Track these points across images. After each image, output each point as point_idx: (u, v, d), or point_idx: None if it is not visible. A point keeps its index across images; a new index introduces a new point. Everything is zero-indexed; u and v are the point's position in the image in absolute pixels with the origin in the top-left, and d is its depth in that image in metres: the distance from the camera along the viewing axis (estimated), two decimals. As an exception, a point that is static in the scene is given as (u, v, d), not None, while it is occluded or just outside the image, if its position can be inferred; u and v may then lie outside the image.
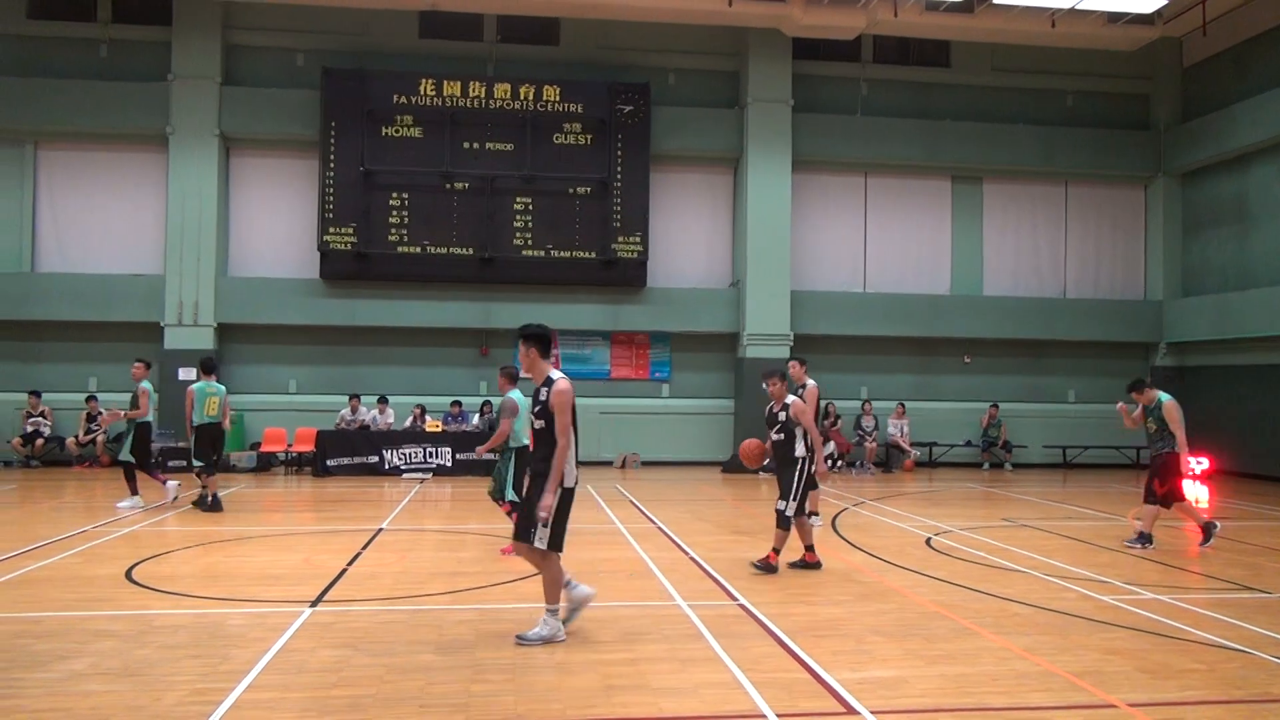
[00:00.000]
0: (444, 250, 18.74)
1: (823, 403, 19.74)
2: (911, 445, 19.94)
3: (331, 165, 18.56)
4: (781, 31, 19.23)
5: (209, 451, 12.58)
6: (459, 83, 18.82)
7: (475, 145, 18.88)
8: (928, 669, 5.80)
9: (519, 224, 18.95)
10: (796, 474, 8.63)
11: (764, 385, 9.01)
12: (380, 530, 11.05)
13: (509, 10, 18.88)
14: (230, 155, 19.27)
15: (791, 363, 11.36)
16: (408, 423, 18.33)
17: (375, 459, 17.30)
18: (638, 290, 19.51)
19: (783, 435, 8.75)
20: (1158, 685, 5.54)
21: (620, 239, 19.14)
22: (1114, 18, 18.62)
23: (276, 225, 19.33)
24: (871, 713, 5.01)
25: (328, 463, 17.16)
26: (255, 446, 18.29)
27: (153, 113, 18.55)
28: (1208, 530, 10.48)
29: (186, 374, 17.32)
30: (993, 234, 21.27)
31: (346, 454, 17.32)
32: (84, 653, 5.91)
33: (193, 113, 18.51)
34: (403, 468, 17.30)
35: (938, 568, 9.05)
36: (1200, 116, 20.37)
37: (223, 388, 12.91)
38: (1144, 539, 10.31)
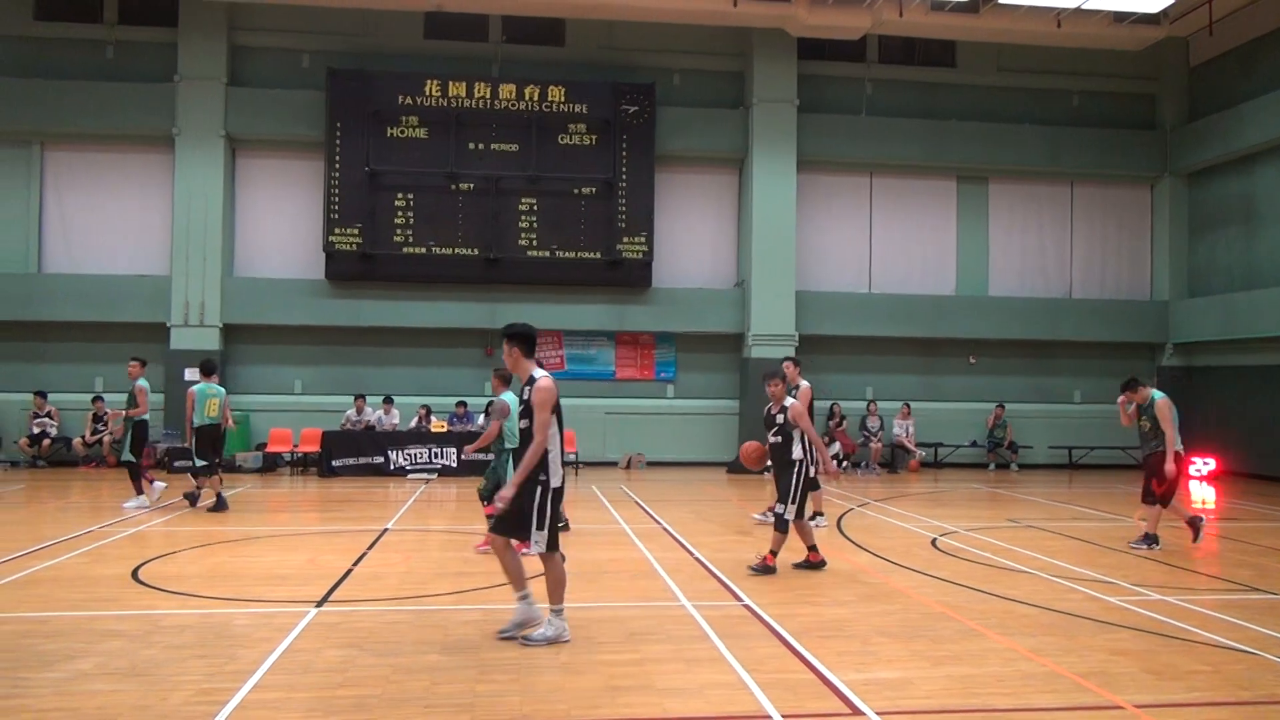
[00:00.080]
0: (449, 251, 18.76)
1: (828, 403, 19.88)
2: (917, 446, 19.91)
3: (337, 166, 18.59)
4: (786, 31, 19.22)
5: (209, 453, 12.63)
6: (464, 83, 18.84)
7: (480, 146, 18.90)
8: (933, 670, 5.79)
9: (524, 224, 18.96)
10: (794, 477, 8.62)
11: (766, 387, 9.01)
12: (385, 531, 11.06)
13: (514, 11, 18.89)
14: (236, 156, 19.32)
15: (786, 363, 11.35)
16: (413, 423, 18.35)
17: (380, 459, 17.31)
18: (643, 291, 19.51)
19: (780, 438, 8.74)
20: (1164, 686, 5.53)
21: (625, 239, 19.14)
22: (1120, 17, 18.57)
23: (282, 226, 19.36)
24: (877, 714, 5.01)
25: (333, 463, 17.19)
26: (261, 447, 18.32)
27: (158, 114, 18.60)
28: (1194, 525, 10.50)
29: (193, 374, 17.30)
30: (998, 234, 21.23)
31: (352, 454, 17.34)
32: (91, 652, 5.92)
33: (198, 113, 18.56)
34: (408, 468, 17.32)
35: (943, 568, 9.03)
36: (1207, 116, 20.32)
37: (223, 389, 12.95)
38: (1149, 540, 10.29)
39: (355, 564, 8.95)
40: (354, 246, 18.53)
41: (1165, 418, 10.28)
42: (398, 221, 18.68)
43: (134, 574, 8.35)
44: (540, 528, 6.16)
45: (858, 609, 7.37)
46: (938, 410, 20.66)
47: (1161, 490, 10.32)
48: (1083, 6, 17.75)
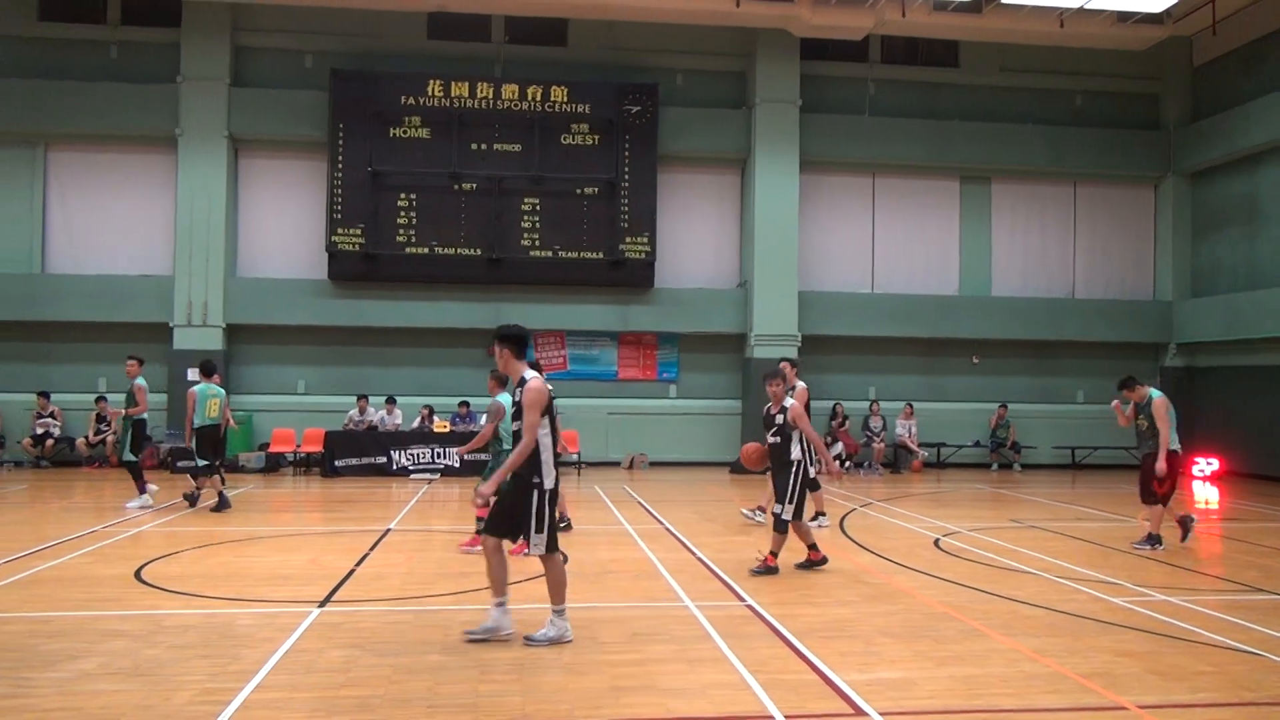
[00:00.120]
0: (452, 251, 18.77)
1: (830, 403, 19.87)
2: (919, 446, 19.89)
3: (340, 166, 18.60)
4: (789, 32, 19.20)
5: (210, 453, 12.67)
6: (467, 84, 18.85)
7: (483, 146, 18.91)
8: (936, 670, 5.79)
9: (527, 224, 18.97)
10: (792, 477, 8.61)
11: (766, 387, 8.99)
12: (388, 531, 11.06)
13: (517, 11, 18.89)
14: (239, 156, 19.34)
15: (783, 363, 11.33)
16: (415, 423, 18.35)
17: (383, 459, 17.33)
18: (645, 291, 19.51)
19: (779, 438, 8.73)
20: (1168, 687, 5.52)
21: (628, 239, 19.14)
22: (1123, 17, 18.54)
23: (285, 226, 19.38)
24: (880, 714, 5.00)
25: (336, 463, 17.20)
26: (264, 447, 18.34)
27: (162, 114, 18.62)
28: (1184, 524, 10.49)
29: (194, 374, 17.36)
30: (1001, 234, 21.21)
31: (354, 454, 17.36)
32: (94, 652, 5.93)
33: (202, 114, 18.58)
34: (411, 468, 17.33)
35: (946, 569, 9.02)
36: (1210, 116, 20.28)
37: (223, 390, 13.01)
38: (1153, 540, 10.27)
39: (358, 564, 8.95)
40: (357, 247, 18.54)
41: (1161, 416, 10.25)
42: (400, 222, 18.69)
43: (137, 574, 8.36)
44: (539, 530, 6.16)
45: (860, 609, 7.36)
46: (940, 410, 20.64)
47: (1163, 490, 10.31)
48: (1085, 6, 17.73)
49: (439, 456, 17.44)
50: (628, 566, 9.05)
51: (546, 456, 6.18)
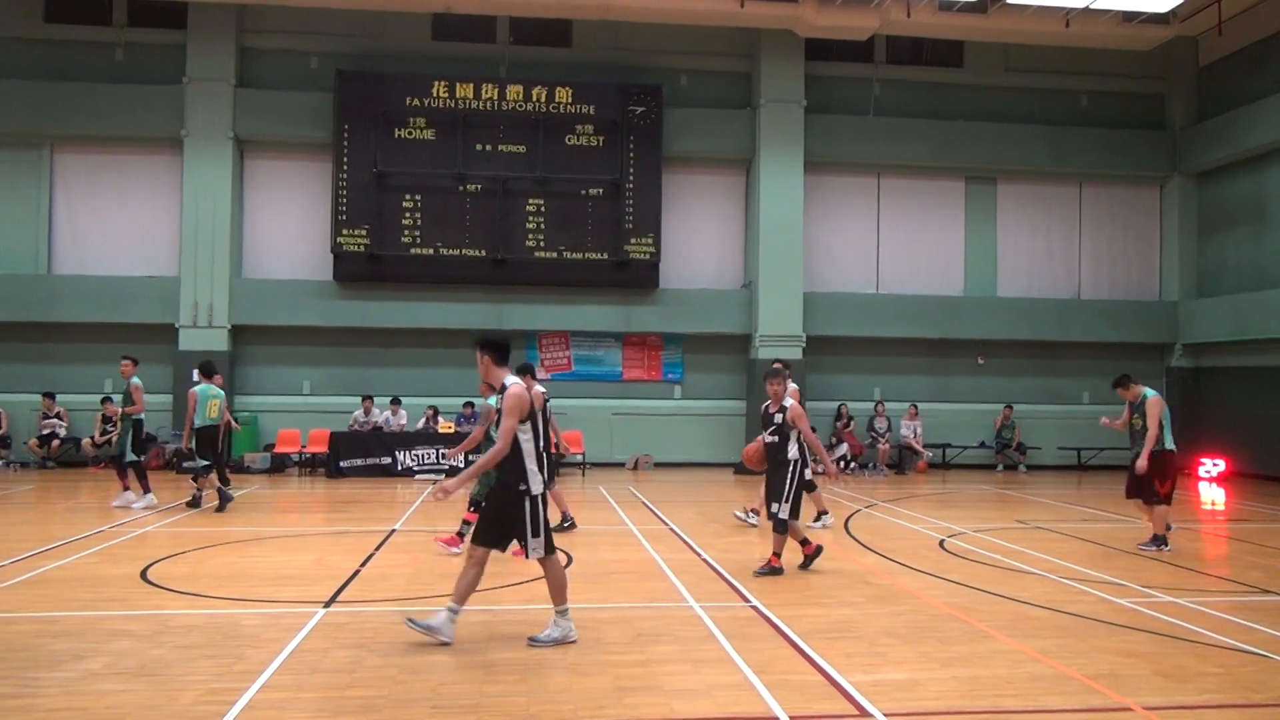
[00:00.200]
0: (457, 252, 18.79)
1: (835, 404, 19.86)
2: (925, 447, 19.86)
3: (345, 167, 18.63)
4: (794, 32, 19.20)
5: (210, 453, 12.74)
6: (471, 85, 18.87)
7: (488, 147, 18.92)
8: (941, 671, 5.78)
9: (531, 225, 18.98)
10: (789, 477, 8.59)
11: (766, 386, 8.96)
12: (393, 531, 11.08)
13: (521, 12, 18.91)
14: (244, 157, 19.37)
15: (775, 364, 11.31)
16: (420, 424, 18.38)
17: (388, 460, 17.35)
18: (650, 291, 19.51)
19: (777, 437, 8.72)
20: (1174, 688, 5.50)
21: (632, 240, 19.15)
22: (1129, 17, 18.50)
23: (290, 227, 19.42)
24: (885, 715, 5.00)
25: (341, 464, 17.23)
26: (269, 448, 18.38)
27: (167, 115, 18.67)
28: (1157, 537, 10.41)
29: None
30: (1006, 235, 21.18)
31: (360, 455, 17.38)
32: (100, 652, 5.94)
33: (207, 115, 18.62)
34: (415, 469, 17.34)
35: (951, 570, 9.01)
36: (1216, 116, 20.23)
37: (222, 392, 13.11)
38: (1159, 541, 10.24)
39: (363, 564, 8.97)
40: (362, 247, 18.57)
41: (1154, 415, 10.20)
42: (405, 222, 18.71)
43: (143, 574, 8.38)
44: (536, 535, 6.18)
45: (866, 610, 7.36)
46: (946, 411, 20.62)
47: (1165, 490, 10.27)
48: (1091, 6, 17.69)
49: (444, 457, 17.44)
50: (632, 567, 9.05)
51: (530, 463, 6.18)
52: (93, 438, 18.03)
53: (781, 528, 8.63)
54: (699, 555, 9.66)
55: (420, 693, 5.28)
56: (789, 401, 8.75)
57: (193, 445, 12.74)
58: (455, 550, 9.49)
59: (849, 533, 11.36)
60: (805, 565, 8.88)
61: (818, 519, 11.60)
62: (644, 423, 19.93)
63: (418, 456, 17.41)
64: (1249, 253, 19.65)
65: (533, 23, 19.64)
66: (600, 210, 19.14)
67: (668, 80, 19.81)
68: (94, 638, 6.28)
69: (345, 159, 18.63)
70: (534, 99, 18.98)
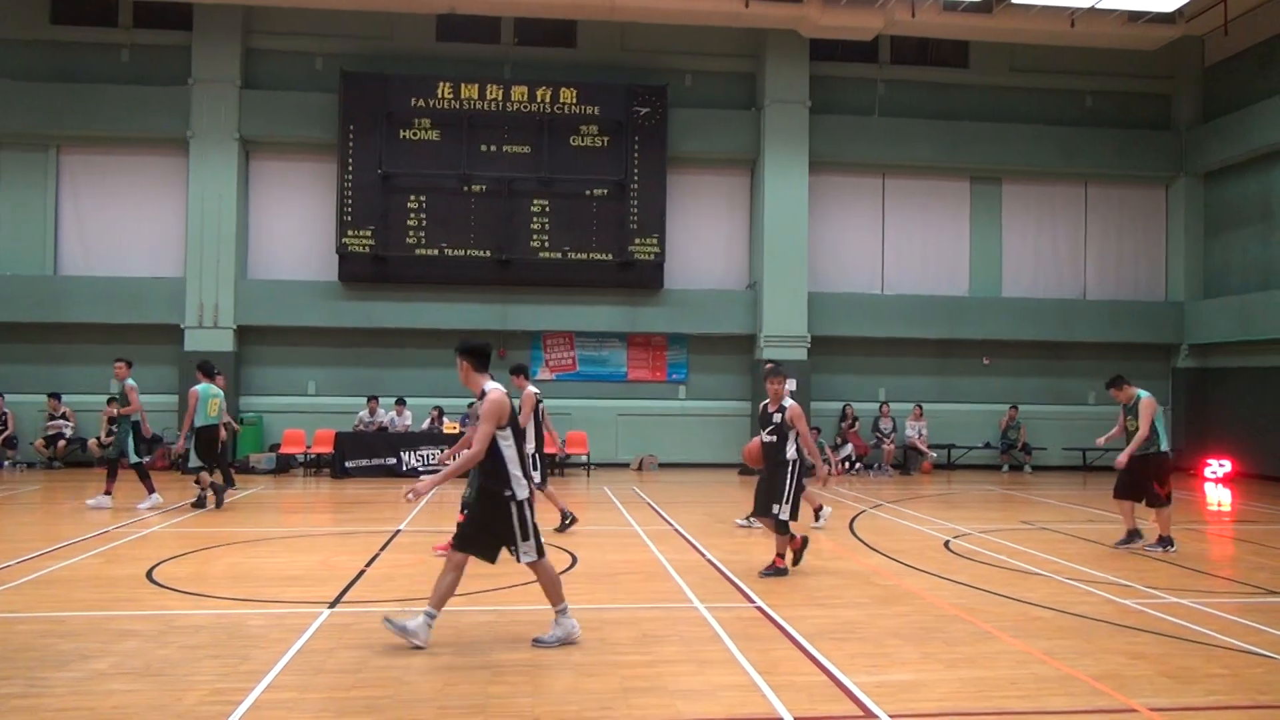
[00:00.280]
0: (461, 252, 18.81)
1: (840, 404, 19.85)
2: (930, 447, 19.84)
3: (350, 168, 18.66)
4: (799, 33, 19.18)
5: (211, 452, 12.81)
6: (476, 85, 18.89)
7: (492, 148, 18.94)
8: (947, 672, 5.77)
9: (536, 226, 18.99)
10: (788, 477, 8.56)
11: (766, 384, 8.91)
12: (398, 532, 11.09)
13: (526, 13, 18.91)
14: (250, 158, 19.42)
15: (768, 364, 11.29)
16: (425, 424, 18.40)
17: (393, 460, 17.37)
18: (655, 292, 19.51)
19: (775, 437, 8.68)
20: (1180, 690, 5.49)
21: (637, 241, 19.15)
22: (1134, 17, 18.45)
23: (295, 228, 19.45)
24: (890, 716, 4.99)
25: (346, 464, 17.25)
26: (274, 448, 18.42)
27: (173, 116, 18.71)
28: (1132, 537, 10.40)
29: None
30: (1012, 235, 21.14)
31: (365, 456, 17.41)
32: (107, 652, 5.96)
33: (213, 116, 18.66)
34: (420, 469, 17.36)
35: (956, 571, 9.00)
36: (1222, 116, 20.19)
37: (221, 391, 13.20)
38: (1164, 542, 10.22)
39: (368, 565, 8.98)
40: (367, 248, 18.60)
41: (1146, 416, 10.14)
42: (410, 223, 18.74)
43: (148, 574, 8.40)
44: (526, 539, 6.18)
45: (870, 611, 7.35)
46: (951, 412, 20.59)
47: (1165, 491, 10.25)
48: (1097, 6, 17.64)
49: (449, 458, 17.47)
50: (637, 568, 9.05)
51: (513, 469, 6.17)
52: (99, 438, 18.06)
53: (783, 528, 8.61)
54: (704, 556, 9.66)
55: (425, 693, 5.29)
56: (788, 401, 8.73)
57: (189, 444, 12.81)
58: None
59: (854, 533, 11.35)
60: (795, 561, 8.86)
61: (817, 518, 11.61)
62: (648, 423, 19.94)
63: (423, 457, 17.43)
64: (1255, 253, 19.59)
65: (537, 23, 19.65)
66: (605, 211, 19.14)
67: (672, 81, 19.81)
68: (100, 638, 6.29)
69: (350, 160, 18.66)
70: (539, 100, 18.99)
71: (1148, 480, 10.29)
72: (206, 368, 13.21)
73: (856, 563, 9.39)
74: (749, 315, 19.76)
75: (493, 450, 6.13)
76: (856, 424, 19.79)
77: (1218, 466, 19.03)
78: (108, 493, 12.69)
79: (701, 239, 20.32)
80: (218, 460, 13.67)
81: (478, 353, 6.33)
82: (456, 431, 17.77)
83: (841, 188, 20.57)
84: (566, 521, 11.07)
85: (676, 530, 11.40)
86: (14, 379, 18.64)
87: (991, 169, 20.78)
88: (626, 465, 19.66)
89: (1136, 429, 10.24)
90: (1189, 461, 20.31)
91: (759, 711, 5.07)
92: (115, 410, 13.05)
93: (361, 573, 8.61)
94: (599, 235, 19.11)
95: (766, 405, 8.86)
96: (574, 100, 19.08)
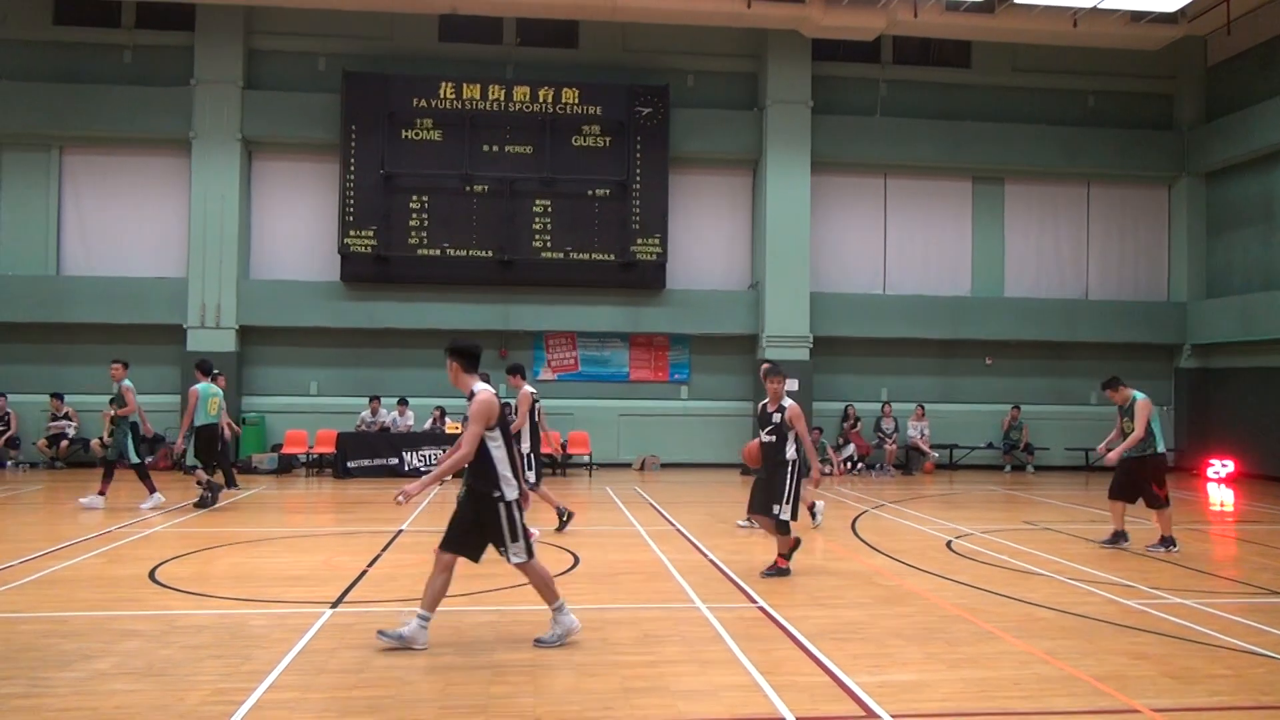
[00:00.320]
0: (463, 253, 18.82)
1: (843, 405, 19.84)
2: (932, 447, 19.82)
3: (352, 168, 18.67)
4: (801, 33, 19.18)
5: (210, 451, 12.83)
6: (478, 86, 18.89)
7: (494, 148, 18.94)
8: (949, 673, 5.76)
9: (538, 226, 19.00)
10: (788, 477, 8.54)
11: (766, 383, 8.88)
12: (400, 532, 11.09)
13: (528, 13, 18.92)
14: (252, 159, 19.43)
15: (764, 364, 11.27)
16: (428, 424, 18.41)
17: (395, 461, 17.38)
18: (657, 292, 19.51)
19: (775, 437, 8.65)
20: (1183, 690, 5.48)
21: (639, 241, 19.15)
22: (1137, 17, 18.44)
23: (297, 228, 19.47)
24: (892, 716, 4.99)
25: (348, 464, 17.26)
26: (276, 448, 18.43)
27: (176, 117, 18.73)
28: (1118, 538, 10.40)
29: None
30: (1014, 235, 21.13)
31: (367, 456, 17.42)
32: (109, 652, 5.96)
33: (215, 117, 18.67)
34: (423, 469, 17.35)
35: (959, 571, 8.99)
36: (1225, 116, 20.16)
37: (220, 391, 13.22)
38: (1167, 543, 10.20)
39: (370, 565, 8.98)
40: (369, 249, 18.61)
41: (1142, 417, 10.11)
42: (412, 224, 18.75)
43: (151, 574, 8.40)
44: (515, 540, 6.17)
45: (873, 611, 7.34)
46: (953, 412, 20.58)
47: (1164, 492, 10.23)
48: (1099, 6, 17.63)
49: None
50: (639, 568, 9.05)
51: (503, 469, 6.15)
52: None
53: (784, 529, 8.60)
54: (706, 556, 9.65)
55: (427, 693, 5.29)
56: (787, 401, 8.70)
57: (188, 443, 12.84)
58: None
59: (856, 534, 11.34)
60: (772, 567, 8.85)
61: (814, 516, 11.61)
62: (650, 423, 19.94)
63: (425, 457, 17.43)
64: (1258, 253, 19.57)
65: (539, 24, 19.65)
66: (607, 211, 19.14)
67: (674, 81, 19.81)
68: (103, 638, 6.30)
69: (352, 160, 18.67)
70: (540, 100, 19.00)
71: (1145, 482, 10.28)
72: (205, 366, 13.25)
73: (859, 563, 9.39)
74: (751, 315, 19.76)
75: (481, 451, 6.13)
76: (859, 424, 19.78)
77: (1220, 467, 19.00)
78: (101, 493, 12.67)
79: (703, 239, 20.32)
80: (218, 459, 13.69)
81: (467, 353, 6.33)
82: (458, 431, 17.74)
83: (843, 188, 20.57)
84: (564, 519, 11.07)
85: (678, 530, 11.40)
86: (16, 379, 18.66)
87: (994, 169, 20.77)
88: (629, 465, 19.66)
89: (1132, 430, 10.22)
90: (1192, 462, 20.29)
91: (761, 712, 5.07)
92: (114, 411, 13.06)
93: (364, 573, 8.61)
94: (601, 235, 19.11)
95: (765, 405, 8.83)
96: (576, 100, 19.08)
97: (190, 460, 12.94)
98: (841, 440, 19.70)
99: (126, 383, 12.76)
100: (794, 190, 19.49)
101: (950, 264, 20.90)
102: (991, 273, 20.96)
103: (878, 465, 19.60)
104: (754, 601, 7.61)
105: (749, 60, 20.28)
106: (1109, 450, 10.53)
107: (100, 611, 7.07)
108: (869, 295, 20.40)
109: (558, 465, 18.56)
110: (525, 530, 6.26)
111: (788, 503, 8.52)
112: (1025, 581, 8.54)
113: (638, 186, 19.20)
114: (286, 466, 18.03)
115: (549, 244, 18.98)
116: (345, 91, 18.72)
